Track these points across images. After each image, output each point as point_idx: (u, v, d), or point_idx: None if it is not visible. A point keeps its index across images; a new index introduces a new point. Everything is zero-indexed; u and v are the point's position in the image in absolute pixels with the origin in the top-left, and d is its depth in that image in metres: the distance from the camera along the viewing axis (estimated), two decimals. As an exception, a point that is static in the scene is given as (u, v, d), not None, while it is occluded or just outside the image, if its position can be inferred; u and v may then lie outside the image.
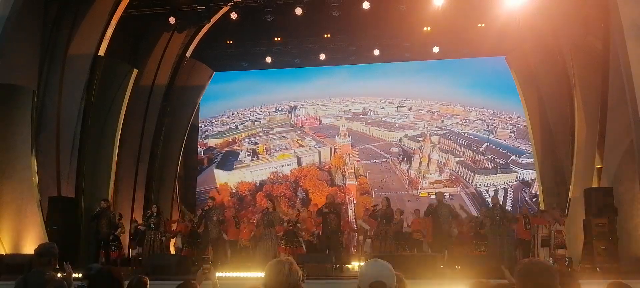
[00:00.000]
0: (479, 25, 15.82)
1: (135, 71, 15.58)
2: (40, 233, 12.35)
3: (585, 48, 12.72)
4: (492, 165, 18.24)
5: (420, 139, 19.13)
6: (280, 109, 20.82)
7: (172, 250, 14.66)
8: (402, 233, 13.04)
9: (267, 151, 20.12)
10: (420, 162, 18.77)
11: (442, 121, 19.33)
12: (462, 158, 18.64)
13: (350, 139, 19.60)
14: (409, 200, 18.11)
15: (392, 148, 19.37)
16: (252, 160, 20.10)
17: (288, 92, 20.62)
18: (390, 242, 11.87)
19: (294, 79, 20.29)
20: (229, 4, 15.27)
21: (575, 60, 13.02)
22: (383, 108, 20.06)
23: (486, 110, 18.96)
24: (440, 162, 18.75)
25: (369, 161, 19.31)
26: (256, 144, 20.34)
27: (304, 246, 13.30)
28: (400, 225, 13.06)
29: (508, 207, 16.31)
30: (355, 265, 13.91)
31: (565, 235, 12.30)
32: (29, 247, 11.92)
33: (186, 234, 13.75)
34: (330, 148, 19.75)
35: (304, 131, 20.40)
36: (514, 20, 14.18)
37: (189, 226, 13.95)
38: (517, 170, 17.99)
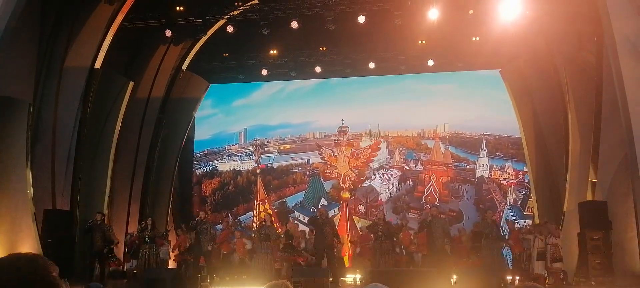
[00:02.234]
0: (474, 39, 15.93)
1: (132, 84, 15.60)
2: (34, 246, 12.28)
3: (579, 62, 12.83)
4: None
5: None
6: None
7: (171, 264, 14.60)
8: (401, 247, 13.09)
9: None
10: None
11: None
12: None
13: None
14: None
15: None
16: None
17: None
18: (389, 256, 11.85)
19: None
20: (225, 17, 15.34)
21: (569, 74, 13.13)
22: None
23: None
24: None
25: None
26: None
27: (301, 256, 13.37)
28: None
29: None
30: (350, 278, 13.92)
31: (561, 248, 12.33)
32: (23, 261, 11.84)
33: (185, 248, 13.75)
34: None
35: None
36: (508, 35, 14.29)
37: (187, 240, 13.98)
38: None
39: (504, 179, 18.02)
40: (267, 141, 20.22)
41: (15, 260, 1.51)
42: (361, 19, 14.33)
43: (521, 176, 17.71)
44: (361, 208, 18.51)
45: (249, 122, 20.46)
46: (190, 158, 19.76)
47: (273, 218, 14.90)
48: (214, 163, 20.37)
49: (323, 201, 18.81)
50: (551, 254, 12.20)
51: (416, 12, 14.19)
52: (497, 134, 18.26)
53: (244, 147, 20.34)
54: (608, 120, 11.15)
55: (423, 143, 19.09)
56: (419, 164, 18.92)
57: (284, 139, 20.18)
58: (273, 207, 18.34)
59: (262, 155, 20.04)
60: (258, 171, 19.65)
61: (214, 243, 13.39)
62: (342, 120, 19.25)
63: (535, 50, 15.12)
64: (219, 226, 17.96)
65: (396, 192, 18.67)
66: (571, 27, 12.89)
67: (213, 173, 20.20)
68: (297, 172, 19.72)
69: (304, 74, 18.70)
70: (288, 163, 19.92)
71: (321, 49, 17.52)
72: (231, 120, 20.54)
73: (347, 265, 15.15)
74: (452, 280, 11.31)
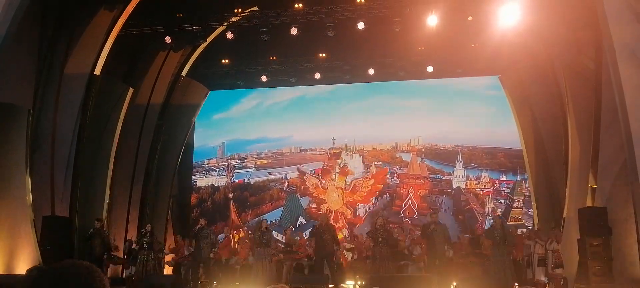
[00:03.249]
0: (473, 45, 15.98)
1: (131, 90, 15.61)
2: (33, 253, 12.25)
3: (578, 68, 12.83)
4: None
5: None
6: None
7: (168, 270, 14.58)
8: (401, 253, 13.04)
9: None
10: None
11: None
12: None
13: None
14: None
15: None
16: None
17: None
18: (389, 263, 11.83)
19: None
20: (225, 24, 15.38)
21: (568, 80, 13.13)
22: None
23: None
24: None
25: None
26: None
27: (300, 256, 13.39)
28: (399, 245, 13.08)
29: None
30: (349, 284, 13.88)
31: (562, 254, 12.31)
32: (22, 268, 11.81)
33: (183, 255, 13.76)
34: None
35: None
36: (507, 41, 14.32)
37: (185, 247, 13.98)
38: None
39: (480, 189, 18.09)
40: (245, 156, 20.05)
41: (74, 267, 1.52)
42: (360, 25, 14.37)
43: (498, 185, 17.84)
44: (345, 232, 17.69)
45: (228, 136, 20.33)
46: (190, 164, 19.72)
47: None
48: (192, 178, 20.04)
49: (301, 220, 18.40)
50: (553, 260, 12.18)
51: (415, 19, 14.23)
52: (471, 145, 18.41)
53: (222, 162, 20.14)
54: (607, 126, 11.15)
55: (398, 156, 19.08)
56: (395, 178, 18.83)
57: (261, 154, 20.01)
58: (250, 233, 17.27)
59: (238, 171, 19.72)
60: (230, 195, 19.23)
61: (215, 250, 13.37)
62: (333, 139, 18.86)
63: (534, 56, 15.15)
64: (222, 235, 17.55)
65: (373, 207, 18.44)
66: (570, 33, 12.91)
67: (191, 189, 19.93)
68: (274, 188, 19.47)
69: (304, 81, 18.73)
70: (265, 178, 19.70)
71: (321, 55, 17.56)
72: (210, 133, 20.28)
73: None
74: (452, 287, 11.30)
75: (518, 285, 12.27)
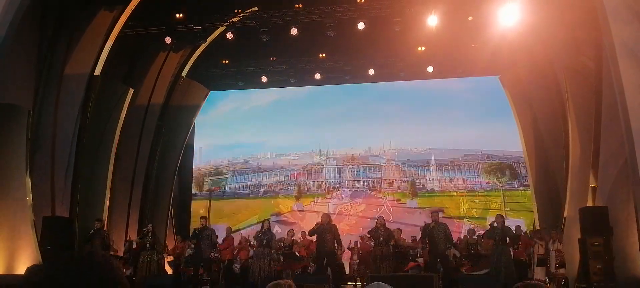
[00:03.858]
0: (473, 45, 15.99)
1: (131, 91, 15.60)
2: (33, 253, 12.22)
3: (578, 68, 12.83)
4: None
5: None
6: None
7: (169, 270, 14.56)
8: (401, 253, 13.01)
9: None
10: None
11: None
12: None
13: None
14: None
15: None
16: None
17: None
18: (390, 261, 11.82)
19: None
20: (225, 24, 15.39)
21: (568, 80, 13.13)
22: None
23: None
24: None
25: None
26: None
27: (301, 262, 13.33)
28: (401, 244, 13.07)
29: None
30: (351, 285, 13.88)
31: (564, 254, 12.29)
32: (22, 268, 11.79)
33: (183, 255, 13.73)
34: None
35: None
36: (507, 41, 14.34)
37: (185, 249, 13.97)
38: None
39: (454, 190, 18.13)
40: (221, 161, 19.98)
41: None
42: (361, 25, 14.39)
43: (472, 186, 17.88)
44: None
45: (205, 141, 20.29)
46: (190, 165, 19.71)
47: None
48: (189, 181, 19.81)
49: (277, 229, 17.87)
50: (556, 260, 12.15)
51: (415, 19, 14.26)
52: (444, 148, 18.60)
53: (198, 168, 20.12)
54: (608, 125, 11.13)
55: (371, 160, 19.10)
56: (369, 182, 18.87)
57: (236, 160, 19.94)
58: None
59: (214, 177, 19.61)
60: (201, 211, 18.97)
61: (215, 250, 13.34)
62: (312, 151, 18.86)
63: (534, 56, 15.15)
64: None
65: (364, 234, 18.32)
66: (570, 33, 12.91)
67: (191, 190, 19.84)
68: (250, 195, 19.43)
69: (304, 81, 18.75)
70: (239, 185, 19.64)
71: (321, 55, 17.57)
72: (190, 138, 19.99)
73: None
74: (452, 287, 11.28)
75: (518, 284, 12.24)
